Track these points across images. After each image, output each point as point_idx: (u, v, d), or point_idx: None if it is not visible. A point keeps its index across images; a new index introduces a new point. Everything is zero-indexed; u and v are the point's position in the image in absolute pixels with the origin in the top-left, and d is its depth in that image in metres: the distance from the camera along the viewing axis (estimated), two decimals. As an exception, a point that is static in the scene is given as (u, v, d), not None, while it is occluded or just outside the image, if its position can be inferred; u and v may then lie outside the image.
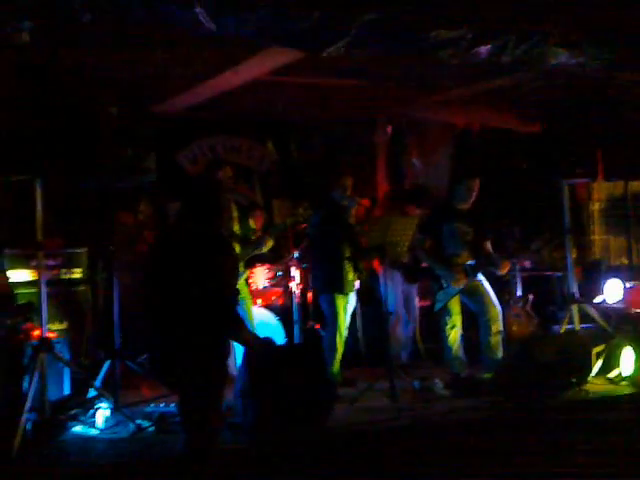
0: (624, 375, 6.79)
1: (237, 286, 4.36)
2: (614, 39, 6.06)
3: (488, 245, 7.07)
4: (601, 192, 9.67)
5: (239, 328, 4.14)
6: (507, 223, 8.49)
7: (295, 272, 7.49)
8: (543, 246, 8.52)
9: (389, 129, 9.30)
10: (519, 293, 8.22)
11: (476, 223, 6.95)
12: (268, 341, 4.44)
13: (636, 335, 6.91)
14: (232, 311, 4.13)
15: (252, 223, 7.44)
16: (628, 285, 7.87)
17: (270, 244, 6.85)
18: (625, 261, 9.07)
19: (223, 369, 4.18)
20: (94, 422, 5.75)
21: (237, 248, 6.47)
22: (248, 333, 4.17)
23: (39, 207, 5.69)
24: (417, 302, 7.95)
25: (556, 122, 9.16)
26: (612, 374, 6.89)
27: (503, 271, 7.03)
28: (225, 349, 4.16)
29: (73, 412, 5.76)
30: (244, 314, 6.46)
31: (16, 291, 6.43)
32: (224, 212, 4.40)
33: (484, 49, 5.69)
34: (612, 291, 7.91)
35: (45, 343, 5.61)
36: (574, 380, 6.53)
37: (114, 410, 5.85)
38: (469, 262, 6.85)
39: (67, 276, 7.01)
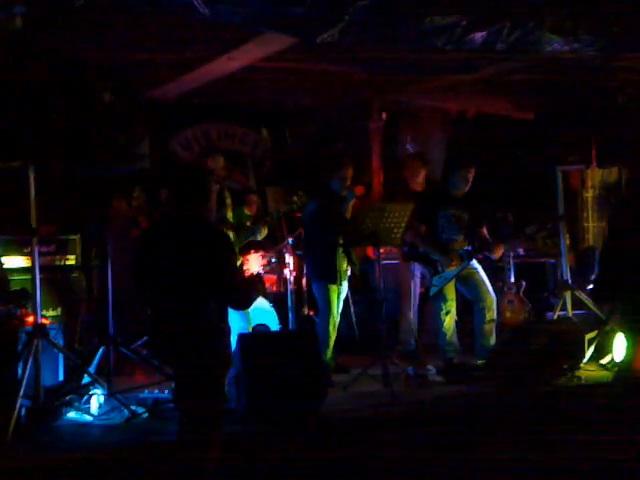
0: (616, 361, 6.82)
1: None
2: (609, 26, 6.05)
3: (484, 231, 7.09)
4: (595, 179, 9.67)
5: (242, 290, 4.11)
6: (501, 209, 8.49)
7: (289, 259, 7.49)
8: (537, 232, 8.53)
9: (383, 115, 9.29)
10: (512, 280, 8.24)
11: (471, 209, 6.96)
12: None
13: (628, 321, 6.92)
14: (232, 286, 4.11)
15: (246, 209, 7.43)
16: None
17: (265, 232, 6.85)
18: (618, 248, 9.08)
19: (221, 356, 4.15)
20: (88, 408, 5.76)
21: (231, 235, 6.47)
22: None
23: (33, 193, 5.69)
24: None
25: (550, 109, 9.15)
26: (604, 360, 6.93)
27: (497, 255, 7.06)
28: (222, 335, 4.14)
29: (67, 398, 5.77)
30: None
31: (10, 277, 6.41)
32: (210, 198, 4.33)
33: (479, 36, 5.68)
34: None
35: (39, 329, 5.61)
36: (566, 366, 6.56)
37: (108, 396, 5.85)
38: (465, 248, 6.86)
39: (61, 262, 7.00)
